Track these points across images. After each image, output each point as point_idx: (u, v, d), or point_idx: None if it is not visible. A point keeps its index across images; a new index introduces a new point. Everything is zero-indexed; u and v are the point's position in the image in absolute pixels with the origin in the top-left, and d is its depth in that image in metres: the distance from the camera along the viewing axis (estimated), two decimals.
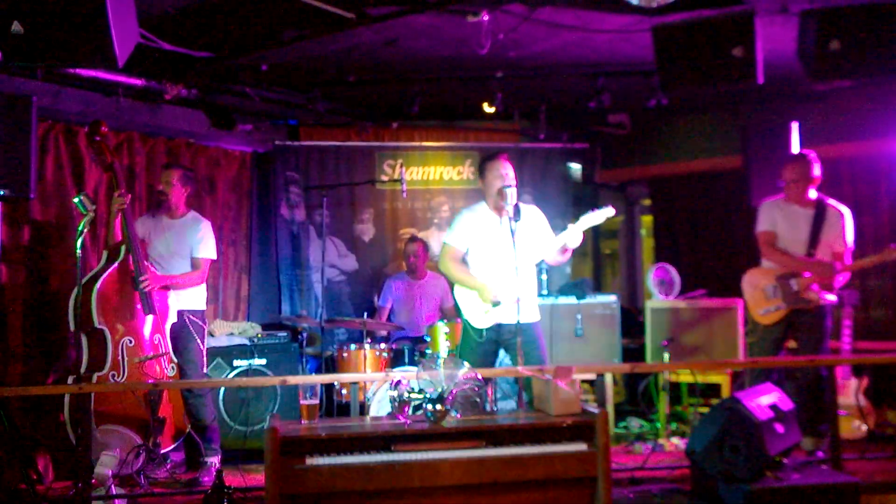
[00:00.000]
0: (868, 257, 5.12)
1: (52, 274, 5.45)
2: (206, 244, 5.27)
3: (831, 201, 5.25)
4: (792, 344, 5.36)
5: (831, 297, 5.18)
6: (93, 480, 4.28)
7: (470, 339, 4.82)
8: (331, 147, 7.12)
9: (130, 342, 4.90)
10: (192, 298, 5.23)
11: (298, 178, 7.00)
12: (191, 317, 5.18)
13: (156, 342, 5.00)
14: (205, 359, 5.28)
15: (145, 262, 5.01)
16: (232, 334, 6.07)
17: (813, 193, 5.22)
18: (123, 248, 4.98)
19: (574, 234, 4.67)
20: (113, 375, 4.79)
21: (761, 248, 5.32)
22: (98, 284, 4.85)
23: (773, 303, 5.17)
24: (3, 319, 5.32)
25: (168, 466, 5.08)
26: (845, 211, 5.23)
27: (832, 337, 6.11)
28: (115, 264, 4.95)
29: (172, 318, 5.10)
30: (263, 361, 5.77)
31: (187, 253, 5.23)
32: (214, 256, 5.37)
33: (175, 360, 5.09)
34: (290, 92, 6.45)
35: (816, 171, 5.21)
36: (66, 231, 5.51)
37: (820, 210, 5.17)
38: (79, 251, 4.62)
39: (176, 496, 4.64)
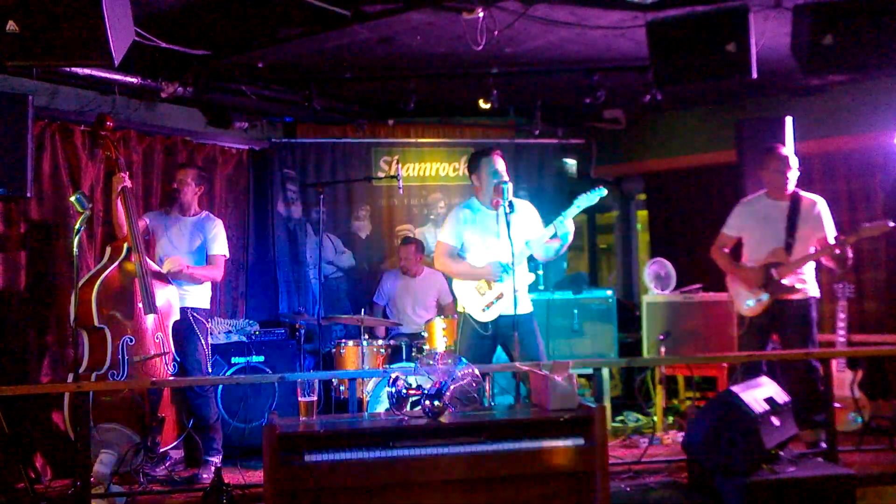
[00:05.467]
0: (846, 236, 5.11)
1: (48, 273, 5.45)
2: (219, 242, 5.32)
3: (806, 193, 5.31)
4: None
5: (815, 292, 5.22)
6: (91, 479, 4.29)
7: (471, 334, 4.83)
8: (327, 144, 7.12)
9: (131, 341, 4.89)
10: (196, 296, 5.24)
11: (295, 176, 7.00)
12: (195, 314, 5.19)
13: (157, 341, 4.98)
14: (208, 357, 5.28)
15: (147, 258, 5.01)
16: (230, 332, 6.08)
17: (791, 187, 5.27)
18: (126, 245, 4.97)
19: (566, 223, 4.71)
20: (112, 374, 4.78)
21: (713, 245, 5.49)
22: (99, 282, 4.83)
23: (756, 294, 5.21)
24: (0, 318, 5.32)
25: (167, 464, 5.08)
26: (819, 200, 5.28)
27: (827, 330, 6.16)
28: (118, 262, 4.94)
29: (175, 315, 5.10)
30: (261, 358, 5.79)
31: (198, 251, 5.25)
32: (228, 254, 5.43)
33: (177, 358, 5.09)
34: (286, 89, 6.45)
35: (793, 164, 5.25)
36: (62, 229, 5.50)
37: (795, 203, 5.23)
38: (76, 249, 4.62)
39: (175, 494, 4.65)
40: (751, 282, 5.21)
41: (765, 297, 5.17)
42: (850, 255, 5.12)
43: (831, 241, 5.15)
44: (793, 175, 5.25)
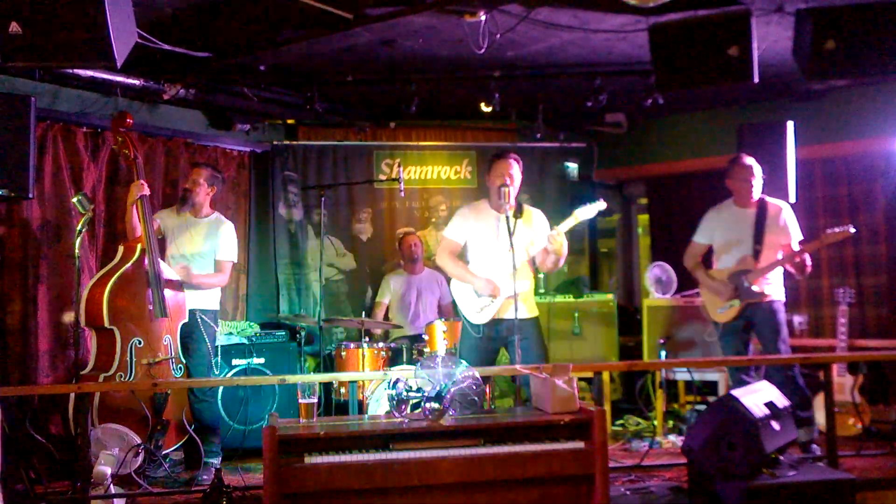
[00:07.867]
0: (809, 243, 5.22)
1: (50, 274, 5.45)
2: (228, 246, 5.30)
3: (771, 199, 5.36)
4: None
5: (780, 297, 5.27)
6: (91, 480, 4.28)
7: (468, 336, 4.84)
8: (329, 147, 7.13)
9: (140, 343, 4.86)
10: (205, 297, 5.23)
11: (296, 178, 7.00)
12: (203, 317, 5.16)
13: (165, 343, 4.96)
14: (213, 360, 5.25)
15: (160, 260, 4.99)
16: (230, 333, 6.08)
17: (756, 194, 5.31)
18: (140, 247, 4.94)
19: (558, 238, 4.69)
20: (120, 376, 4.76)
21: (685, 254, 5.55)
22: (112, 282, 4.80)
23: (728, 300, 5.25)
24: (1, 320, 5.32)
25: (167, 466, 5.08)
26: (785, 206, 5.34)
27: (828, 335, 6.16)
28: (131, 263, 4.91)
29: (184, 317, 5.08)
30: (262, 360, 5.79)
31: (208, 253, 5.24)
32: (236, 259, 5.42)
33: (183, 361, 5.08)
34: (288, 92, 6.46)
35: (756, 172, 5.29)
36: (64, 231, 5.51)
37: (761, 209, 5.28)
38: (77, 251, 4.62)
39: (175, 495, 4.65)
40: (722, 293, 5.28)
41: (736, 302, 5.24)
42: (809, 262, 5.21)
43: (795, 247, 5.22)
44: (757, 183, 5.29)
